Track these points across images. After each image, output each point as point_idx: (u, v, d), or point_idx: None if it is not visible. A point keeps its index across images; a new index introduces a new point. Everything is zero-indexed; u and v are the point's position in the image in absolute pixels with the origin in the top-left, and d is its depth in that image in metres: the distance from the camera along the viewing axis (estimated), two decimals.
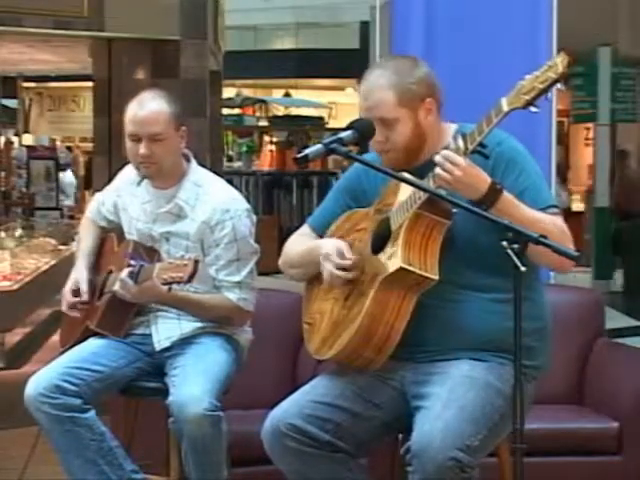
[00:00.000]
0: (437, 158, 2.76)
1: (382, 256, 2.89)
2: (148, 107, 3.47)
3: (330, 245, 3.00)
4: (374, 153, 3.04)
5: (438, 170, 2.76)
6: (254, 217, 3.64)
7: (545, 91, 2.63)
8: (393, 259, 2.82)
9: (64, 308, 3.67)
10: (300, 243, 3.18)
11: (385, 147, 2.95)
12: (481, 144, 2.75)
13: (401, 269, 2.79)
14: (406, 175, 2.86)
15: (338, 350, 2.93)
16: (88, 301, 3.63)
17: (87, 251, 3.76)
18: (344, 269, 2.94)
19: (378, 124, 2.92)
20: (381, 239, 2.93)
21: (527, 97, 2.64)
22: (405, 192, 2.89)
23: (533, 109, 2.67)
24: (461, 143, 2.76)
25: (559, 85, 2.64)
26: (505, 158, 2.90)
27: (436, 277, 2.81)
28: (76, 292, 3.65)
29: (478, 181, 2.76)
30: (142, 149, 3.46)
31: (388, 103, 2.92)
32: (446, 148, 2.80)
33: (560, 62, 2.60)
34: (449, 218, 2.85)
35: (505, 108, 2.68)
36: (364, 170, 3.04)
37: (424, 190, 2.80)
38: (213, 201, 3.55)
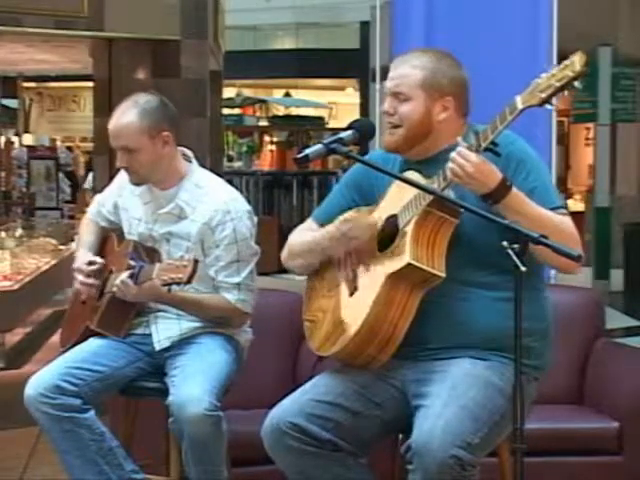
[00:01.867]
0: (451, 154, 2.78)
1: (389, 253, 2.89)
2: (117, 121, 3.51)
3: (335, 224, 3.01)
4: (378, 152, 3.04)
5: (450, 164, 2.77)
6: (255, 218, 3.64)
7: (562, 89, 2.63)
8: (401, 255, 2.82)
9: (81, 279, 3.60)
10: (304, 235, 3.18)
11: (391, 120, 2.97)
12: (493, 142, 2.76)
13: (409, 265, 2.79)
14: (410, 176, 2.87)
15: (341, 347, 2.93)
16: (102, 270, 3.62)
17: (88, 245, 3.76)
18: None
19: (392, 97, 2.96)
20: (388, 237, 2.93)
21: (543, 95, 2.65)
22: (410, 192, 2.89)
23: (549, 107, 2.67)
24: (474, 140, 2.76)
25: (576, 83, 2.62)
26: (516, 158, 2.91)
27: (443, 274, 2.81)
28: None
29: (489, 177, 2.76)
30: (118, 160, 3.54)
31: (411, 80, 2.95)
32: (455, 146, 2.80)
33: (578, 60, 2.60)
34: (457, 217, 2.85)
35: (520, 106, 2.69)
36: None
37: (427, 191, 2.80)
38: (214, 202, 3.55)
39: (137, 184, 3.59)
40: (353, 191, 3.15)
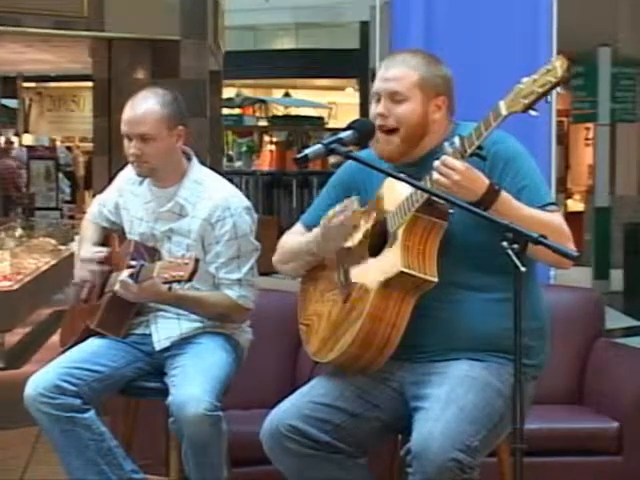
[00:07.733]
0: (435, 163, 2.76)
1: (380, 259, 2.89)
2: (138, 107, 3.50)
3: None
4: (370, 151, 3.01)
5: (436, 175, 2.75)
6: (255, 215, 3.64)
7: (544, 95, 2.62)
8: (392, 263, 2.82)
9: (91, 267, 3.65)
10: (293, 240, 3.18)
11: (386, 122, 2.93)
12: (479, 146, 2.75)
13: (401, 273, 2.79)
14: (403, 175, 2.86)
15: (339, 353, 2.93)
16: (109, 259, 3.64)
17: (91, 241, 3.76)
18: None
19: (386, 98, 2.93)
20: (378, 240, 2.92)
21: (526, 101, 2.63)
22: (402, 192, 2.88)
23: (533, 113, 2.66)
24: (458, 146, 2.75)
25: (558, 89, 2.63)
26: (502, 157, 2.90)
27: (435, 279, 2.81)
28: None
29: (476, 184, 2.75)
30: (131, 148, 3.50)
31: (408, 80, 2.93)
32: (442, 149, 2.79)
33: (559, 66, 2.59)
34: (446, 219, 2.85)
35: (504, 112, 2.68)
36: (358, 166, 3.01)
37: (422, 190, 2.79)
38: (214, 198, 3.55)
39: (143, 176, 3.58)
40: (340, 193, 3.12)
